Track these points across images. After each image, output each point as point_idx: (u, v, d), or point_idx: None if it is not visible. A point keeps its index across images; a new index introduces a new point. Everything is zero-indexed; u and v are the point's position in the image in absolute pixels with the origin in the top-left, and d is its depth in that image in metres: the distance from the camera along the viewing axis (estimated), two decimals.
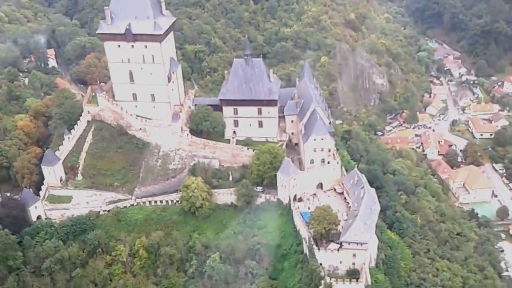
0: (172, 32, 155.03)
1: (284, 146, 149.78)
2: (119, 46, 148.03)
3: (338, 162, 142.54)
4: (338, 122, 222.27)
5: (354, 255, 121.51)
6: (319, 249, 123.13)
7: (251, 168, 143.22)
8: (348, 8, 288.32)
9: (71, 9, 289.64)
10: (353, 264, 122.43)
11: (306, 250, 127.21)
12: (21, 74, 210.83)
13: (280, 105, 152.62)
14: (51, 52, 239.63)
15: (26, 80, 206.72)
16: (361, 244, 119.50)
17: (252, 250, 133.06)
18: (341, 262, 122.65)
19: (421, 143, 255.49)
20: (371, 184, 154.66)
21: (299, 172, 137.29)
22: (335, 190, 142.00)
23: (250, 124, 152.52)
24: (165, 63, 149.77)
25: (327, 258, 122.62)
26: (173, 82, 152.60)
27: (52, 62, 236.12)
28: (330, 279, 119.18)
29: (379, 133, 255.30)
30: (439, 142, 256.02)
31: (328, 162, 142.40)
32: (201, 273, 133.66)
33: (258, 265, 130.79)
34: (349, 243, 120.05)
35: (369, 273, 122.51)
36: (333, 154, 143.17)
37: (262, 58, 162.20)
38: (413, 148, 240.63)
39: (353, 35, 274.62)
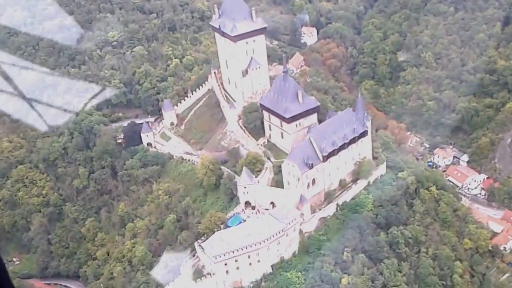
0: (262, 37, 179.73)
1: None
2: (220, 38, 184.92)
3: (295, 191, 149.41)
4: None
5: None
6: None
7: None
8: None
9: None
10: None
11: None
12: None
13: None
14: (310, 30, 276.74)
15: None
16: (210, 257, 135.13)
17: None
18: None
19: None
20: None
21: (251, 184, 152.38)
22: None
23: (277, 133, 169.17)
24: (242, 60, 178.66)
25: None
26: (248, 77, 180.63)
27: (306, 39, 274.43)
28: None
29: (430, 163, 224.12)
30: None
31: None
32: None
33: (188, 237, 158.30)
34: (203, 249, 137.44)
35: None
36: (299, 184, 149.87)
37: None
38: None
39: None
